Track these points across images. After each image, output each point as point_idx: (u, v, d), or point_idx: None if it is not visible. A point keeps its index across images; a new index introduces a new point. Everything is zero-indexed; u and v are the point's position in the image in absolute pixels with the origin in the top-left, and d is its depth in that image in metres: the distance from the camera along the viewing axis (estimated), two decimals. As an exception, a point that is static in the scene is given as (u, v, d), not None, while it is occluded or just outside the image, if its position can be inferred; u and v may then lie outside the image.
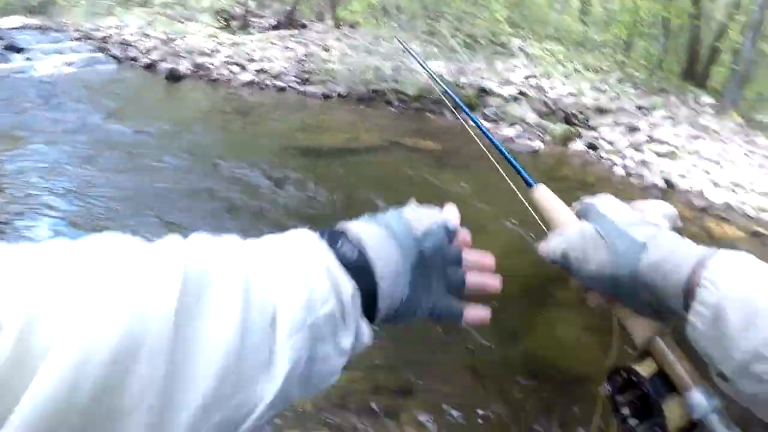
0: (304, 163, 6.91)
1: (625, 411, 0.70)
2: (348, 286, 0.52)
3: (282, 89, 10.70)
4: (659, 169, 8.31)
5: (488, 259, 0.68)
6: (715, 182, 8.39)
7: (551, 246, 0.74)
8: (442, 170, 7.19)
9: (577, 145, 8.89)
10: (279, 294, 0.48)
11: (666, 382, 0.66)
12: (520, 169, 0.89)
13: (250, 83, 10.72)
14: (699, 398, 0.61)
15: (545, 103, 10.58)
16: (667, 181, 8.00)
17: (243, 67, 11.34)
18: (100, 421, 0.35)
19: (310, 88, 10.66)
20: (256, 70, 11.20)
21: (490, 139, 1.01)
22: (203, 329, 0.42)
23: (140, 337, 0.37)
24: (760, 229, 7.11)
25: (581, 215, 0.76)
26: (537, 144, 8.86)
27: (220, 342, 0.42)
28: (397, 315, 0.60)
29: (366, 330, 0.55)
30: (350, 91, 10.48)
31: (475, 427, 3.15)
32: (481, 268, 0.67)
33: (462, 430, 3.12)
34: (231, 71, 11.16)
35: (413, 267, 0.60)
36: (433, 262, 0.62)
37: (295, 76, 11.11)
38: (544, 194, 0.85)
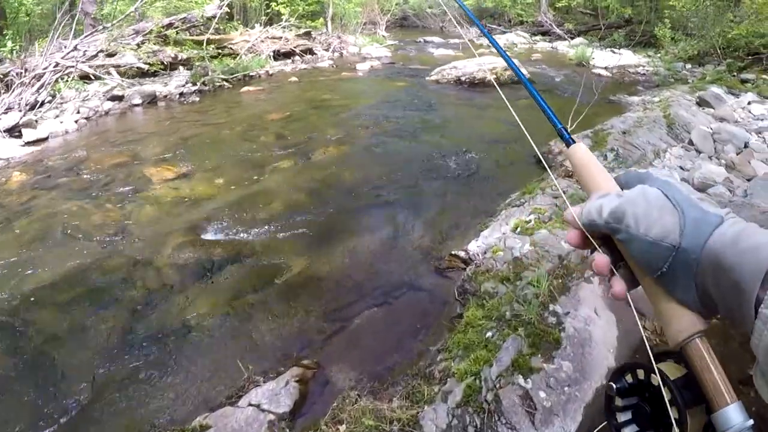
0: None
1: (623, 417, 0.66)
2: None
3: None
4: None
5: None
6: None
7: (595, 205, 0.65)
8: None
9: None
10: None
11: (693, 390, 0.59)
12: (559, 124, 0.82)
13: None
14: (735, 414, 0.55)
15: None
16: None
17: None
18: None
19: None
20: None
21: (534, 96, 0.89)
22: None
23: None
24: None
25: (625, 184, 0.69)
26: None
27: None
28: None
29: None
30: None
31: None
32: None
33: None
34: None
35: None
36: None
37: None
38: (581, 154, 0.76)
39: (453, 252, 4.30)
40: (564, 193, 4.72)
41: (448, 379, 2.76)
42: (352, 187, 6.39)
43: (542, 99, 0.89)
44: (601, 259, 0.66)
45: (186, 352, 3.67)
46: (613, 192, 0.67)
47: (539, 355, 2.81)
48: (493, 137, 7.95)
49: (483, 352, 2.84)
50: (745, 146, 6.93)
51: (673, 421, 0.59)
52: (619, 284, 0.65)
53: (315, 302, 4.16)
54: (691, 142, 6.94)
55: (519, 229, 4.11)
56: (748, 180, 5.79)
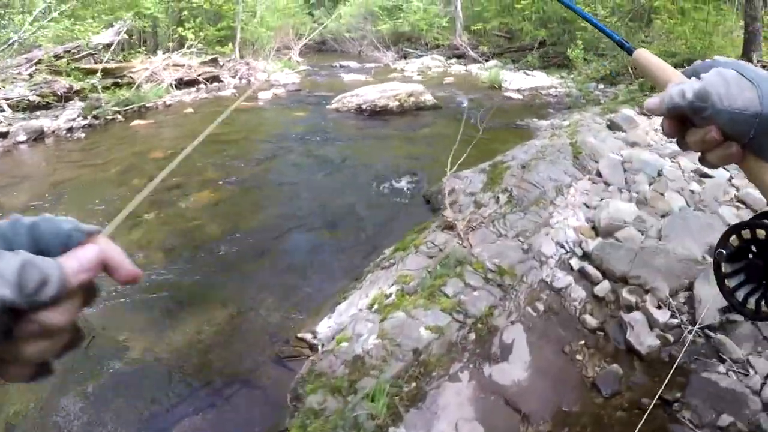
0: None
1: (734, 282, 0.69)
2: None
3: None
4: None
5: None
6: None
7: (676, 90, 0.69)
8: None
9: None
10: None
11: None
12: (617, 37, 0.91)
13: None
14: None
15: None
16: None
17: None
18: None
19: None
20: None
21: (585, 17, 1.01)
22: None
23: None
24: None
25: (698, 71, 0.73)
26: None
27: None
28: None
29: None
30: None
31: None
32: None
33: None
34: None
35: None
36: None
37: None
38: (646, 56, 0.83)
39: (299, 334, 3.40)
40: (441, 250, 3.91)
41: None
42: (216, 241, 5.45)
43: (596, 20, 1.01)
44: (712, 129, 0.67)
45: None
46: (687, 81, 0.70)
47: None
48: (384, 173, 7.15)
49: None
50: (659, 174, 6.29)
51: None
52: (735, 147, 0.67)
53: (141, 404, 3.23)
54: (599, 174, 6.28)
55: (376, 306, 3.24)
56: (663, 216, 5.13)
